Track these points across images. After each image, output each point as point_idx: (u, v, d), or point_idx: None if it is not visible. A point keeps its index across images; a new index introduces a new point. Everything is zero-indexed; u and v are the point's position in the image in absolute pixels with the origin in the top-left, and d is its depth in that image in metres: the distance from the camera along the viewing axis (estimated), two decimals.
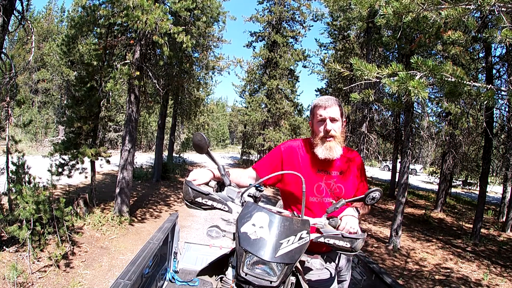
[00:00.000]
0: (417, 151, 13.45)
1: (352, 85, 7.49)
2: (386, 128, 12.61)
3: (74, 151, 6.30)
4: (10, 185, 4.51)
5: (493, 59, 7.41)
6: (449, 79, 2.19)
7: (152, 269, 2.23)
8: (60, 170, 6.43)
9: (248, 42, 16.35)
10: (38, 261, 4.28)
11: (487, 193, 8.15)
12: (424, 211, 10.51)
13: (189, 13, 7.58)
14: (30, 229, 4.13)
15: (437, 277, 5.45)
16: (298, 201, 1.49)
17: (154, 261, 2.29)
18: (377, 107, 10.84)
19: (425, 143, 11.90)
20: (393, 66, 2.28)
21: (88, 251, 5.00)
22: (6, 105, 4.59)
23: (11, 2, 4.31)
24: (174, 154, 15.52)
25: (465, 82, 2.18)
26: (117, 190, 6.55)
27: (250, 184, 1.32)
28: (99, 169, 8.66)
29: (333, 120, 1.51)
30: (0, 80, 4.57)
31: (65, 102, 20.10)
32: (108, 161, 6.96)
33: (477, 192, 8.60)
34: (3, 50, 4.58)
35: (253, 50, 16.24)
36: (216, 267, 1.40)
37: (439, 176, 12.32)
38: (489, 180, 8.64)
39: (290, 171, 1.30)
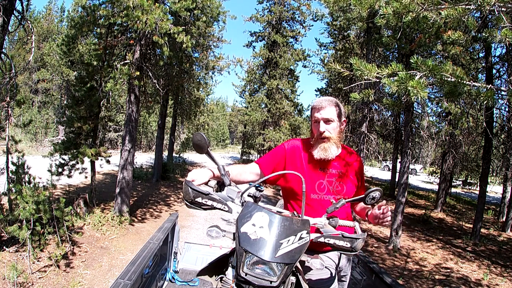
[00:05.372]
0: (417, 151, 13.43)
1: (352, 85, 7.47)
2: (386, 128, 12.59)
3: (74, 151, 6.30)
4: (10, 185, 4.51)
5: (493, 59, 7.41)
6: (449, 79, 2.19)
7: (152, 269, 2.23)
8: (60, 170, 6.43)
9: (248, 42, 16.28)
10: (38, 261, 4.28)
11: (487, 193, 8.14)
12: (424, 211, 10.50)
13: (189, 13, 7.57)
14: (30, 229, 4.13)
15: (437, 277, 5.45)
16: (299, 198, 1.52)
17: (154, 261, 2.29)
18: (377, 107, 10.81)
19: (425, 143, 11.88)
20: (393, 66, 2.28)
21: (88, 251, 5.00)
22: (6, 105, 4.58)
23: (11, 2, 4.31)
24: (174, 154, 15.49)
25: (465, 82, 2.18)
26: (117, 190, 6.55)
27: (250, 184, 1.32)
28: (99, 169, 8.66)
29: (327, 121, 1.56)
30: (0, 80, 4.57)
31: (65, 102, 20.09)
32: (108, 161, 6.96)
33: (477, 192, 8.60)
34: (3, 50, 4.58)
35: (253, 50, 16.21)
36: (216, 267, 1.40)
37: (439, 176, 12.32)
38: (489, 180, 8.64)
39: (292, 171, 1.31)
